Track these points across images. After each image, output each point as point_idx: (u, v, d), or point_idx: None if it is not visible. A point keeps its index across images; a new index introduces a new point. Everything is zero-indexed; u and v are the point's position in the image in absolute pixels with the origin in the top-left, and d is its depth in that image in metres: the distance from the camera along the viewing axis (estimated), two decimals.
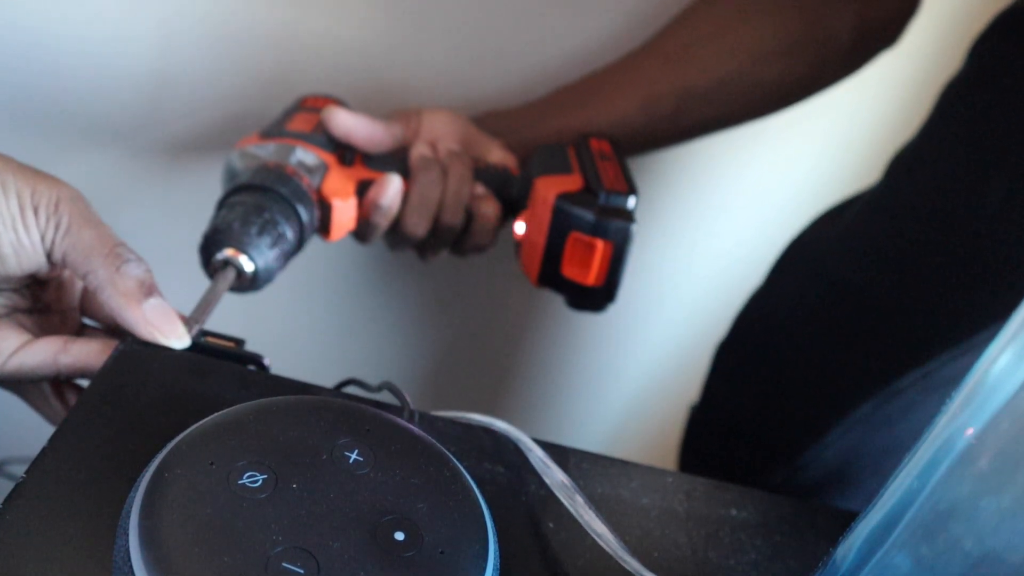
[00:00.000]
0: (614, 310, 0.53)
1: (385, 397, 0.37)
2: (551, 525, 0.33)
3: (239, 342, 0.38)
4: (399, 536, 0.27)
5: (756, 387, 0.60)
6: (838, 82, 0.60)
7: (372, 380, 0.39)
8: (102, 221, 0.37)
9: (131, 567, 0.24)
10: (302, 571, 0.25)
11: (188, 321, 0.38)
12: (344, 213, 0.50)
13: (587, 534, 0.31)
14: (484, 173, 0.54)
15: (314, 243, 0.69)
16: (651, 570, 0.30)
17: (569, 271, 0.51)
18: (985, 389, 0.23)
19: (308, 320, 0.76)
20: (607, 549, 0.31)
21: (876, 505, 0.26)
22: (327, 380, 0.38)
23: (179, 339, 0.36)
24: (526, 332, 0.85)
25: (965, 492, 0.23)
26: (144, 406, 0.33)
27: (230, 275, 0.44)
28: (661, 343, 0.93)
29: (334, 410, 0.30)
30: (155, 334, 0.36)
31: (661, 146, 0.61)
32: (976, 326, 0.47)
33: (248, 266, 0.44)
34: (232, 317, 0.54)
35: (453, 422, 0.37)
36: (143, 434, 0.31)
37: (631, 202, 0.49)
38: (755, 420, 0.60)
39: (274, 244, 0.45)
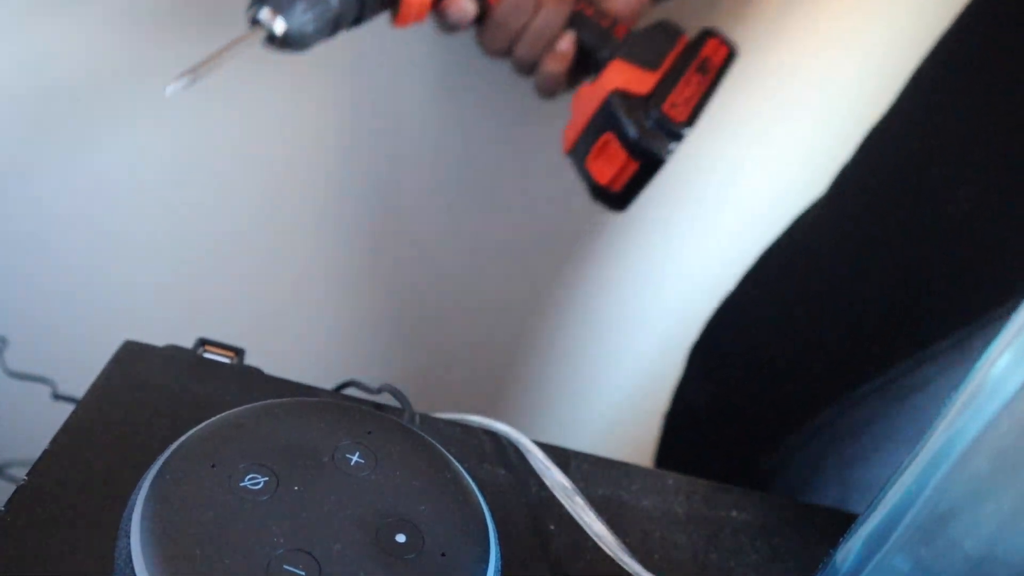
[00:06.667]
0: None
1: (385, 399, 0.37)
2: (552, 527, 0.33)
3: (239, 352, 0.38)
4: (400, 538, 0.27)
5: (722, 393, 0.60)
6: None
7: (372, 382, 0.39)
8: None
9: (133, 569, 0.24)
10: (303, 573, 0.25)
11: (191, 71, 0.38)
12: None
13: (588, 536, 0.31)
14: (582, 21, 0.49)
15: (315, 242, 0.69)
16: (651, 572, 0.30)
17: (592, 164, 0.49)
18: (985, 391, 0.23)
19: (308, 321, 0.76)
20: (607, 551, 0.31)
21: (876, 507, 0.26)
22: (327, 382, 0.38)
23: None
24: (527, 334, 0.85)
25: (965, 494, 0.23)
26: (145, 408, 0.33)
27: (257, 34, 0.43)
28: (664, 343, 0.93)
29: (335, 412, 0.30)
30: None
31: None
32: (936, 335, 0.46)
33: (279, 27, 0.43)
34: (233, 317, 0.54)
35: (454, 424, 0.37)
36: (144, 436, 0.31)
37: (681, 132, 0.47)
38: (721, 426, 0.60)
39: (311, 9, 0.43)
